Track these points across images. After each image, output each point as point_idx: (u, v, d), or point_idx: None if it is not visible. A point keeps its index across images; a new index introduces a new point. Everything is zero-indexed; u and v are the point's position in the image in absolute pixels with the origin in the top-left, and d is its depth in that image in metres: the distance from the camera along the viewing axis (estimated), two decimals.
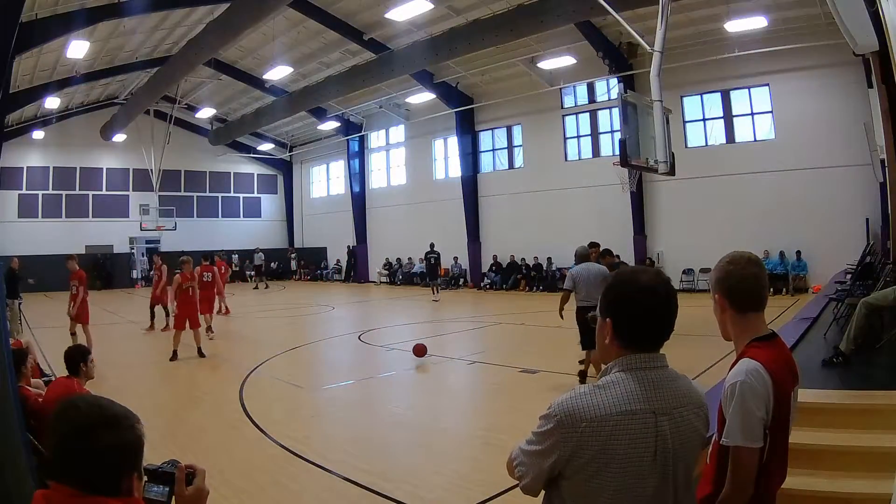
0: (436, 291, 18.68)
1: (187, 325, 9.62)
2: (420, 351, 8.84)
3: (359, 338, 11.63)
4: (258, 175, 33.09)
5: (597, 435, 1.33)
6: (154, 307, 12.55)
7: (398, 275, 25.93)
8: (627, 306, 1.46)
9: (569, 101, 20.75)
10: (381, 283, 26.84)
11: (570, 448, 1.34)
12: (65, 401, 1.32)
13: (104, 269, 25.86)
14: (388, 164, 27.68)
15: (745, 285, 1.81)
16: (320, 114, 25.71)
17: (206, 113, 26.97)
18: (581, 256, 7.42)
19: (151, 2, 15.76)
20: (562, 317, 7.30)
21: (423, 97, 21.80)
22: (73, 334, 9.66)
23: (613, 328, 1.47)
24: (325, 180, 32.01)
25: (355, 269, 28.39)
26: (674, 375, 1.48)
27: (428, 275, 19.95)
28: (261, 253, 27.47)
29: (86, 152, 27.02)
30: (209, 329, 11.77)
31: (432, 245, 19.29)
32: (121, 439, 1.25)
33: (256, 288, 25.09)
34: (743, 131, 17.27)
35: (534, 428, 1.42)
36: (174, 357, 9.34)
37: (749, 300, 1.81)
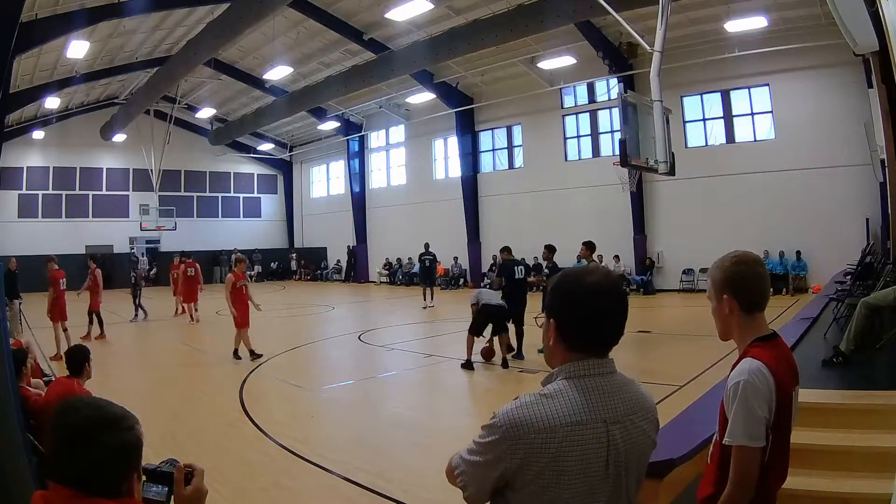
0: (429, 297, 16.95)
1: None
2: (488, 354, 8.72)
3: (359, 338, 11.63)
4: (258, 175, 33.08)
5: (546, 447, 1.26)
6: (93, 314, 11.63)
7: (398, 275, 25.92)
8: (571, 308, 1.37)
9: (569, 101, 20.75)
10: (381, 283, 26.83)
11: (518, 460, 1.27)
12: (64, 403, 1.31)
13: (104, 269, 25.80)
14: (388, 164, 27.67)
15: (754, 286, 1.80)
16: (320, 114, 25.70)
17: (206, 113, 26.98)
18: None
19: (151, 2, 15.76)
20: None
21: (423, 97, 21.80)
22: (65, 330, 9.80)
23: (557, 330, 1.39)
24: (325, 180, 32.00)
25: (355, 269, 28.38)
26: (623, 381, 1.40)
27: (423, 278, 18.13)
28: (240, 254, 27.32)
29: (86, 152, 27.00)
30: (193, 317, 14.33)
31: (427, 246, 17.93)
32: (120, 441, 1.25)
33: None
34: (743, 131, 17.26)
35: (476, 437, 1.35)
36: (237, 356, 9.31)
37: (757, 300, 1.81)
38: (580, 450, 1.28)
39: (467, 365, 8.28)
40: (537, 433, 1.26)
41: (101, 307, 11.57)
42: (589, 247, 9.07)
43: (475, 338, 8.47)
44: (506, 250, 9.51)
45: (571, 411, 1.29)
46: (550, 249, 9.83)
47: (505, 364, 8.28)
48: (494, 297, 8.71)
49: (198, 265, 15.03)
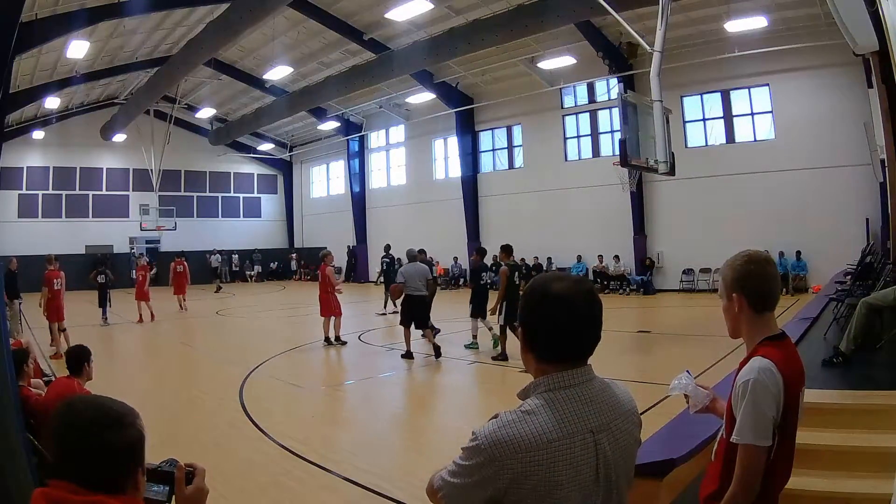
0: (386, 303, 15.33)
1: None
2: (396, 292, 9.67)
3: (359, 338, 11.63)
4: (258, 175, 33.08)
5: (537, 464, 1.22)
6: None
7: (398, 275, 25.85)
8: (539, 318, 1.33)
9: (569, 101, 20.75)
10: (380, 283, 26.75)
11: (507, 480, 1.23)
12: (64, 402, 1.31)
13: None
14: (388, 164, 27.66)
15: (765, 286, 1.80)
16: (320, 114, 25.70)
17: (206, 113, 26.97)
18: (411, 257, 9.76)
19: (151, 2, 15.76)
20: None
21: (423, 97, 21.80)
22: (63, 331, 9.90)
23: (526, 339, 1.36)
24: (325, 180, 31.99)
25: (355, 269, 28.37)
26: (602, 386, 1.36)
27: (384, 281, 16.00)
28: (217, 255, 27.37)
29: (86, 152, 27.01)
30: (182, 307, 16.64)
31: (387, 248, 16.60)
32: (120, 437, 1.24)
33: (217, 291, 23.66)
34: (743, 131, 17.26)
35: (457, 458, 1.31)
36: (340, 342, 10.50)
37: (767, 300, 1.81)
38: (571, 462, 1.25)
39: (436, 353, 8.90)
40: (525, 452, 1.22)
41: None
42: (505, 250, 9.75)
43: (428, 329, 9.31)
44: (423, 252, 10.35)
45: (557, 424, 1.25)
46: (480, 252, 10.81)
47: (437, 353, 8.92)
48: (421, 287, 9.30)
49: (186, 263, 17.25)
